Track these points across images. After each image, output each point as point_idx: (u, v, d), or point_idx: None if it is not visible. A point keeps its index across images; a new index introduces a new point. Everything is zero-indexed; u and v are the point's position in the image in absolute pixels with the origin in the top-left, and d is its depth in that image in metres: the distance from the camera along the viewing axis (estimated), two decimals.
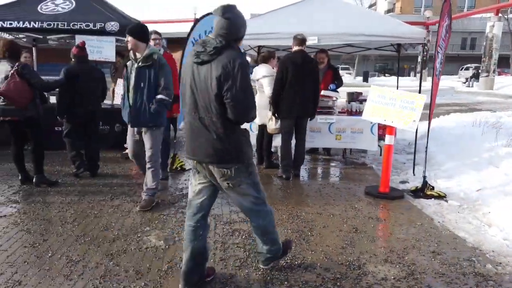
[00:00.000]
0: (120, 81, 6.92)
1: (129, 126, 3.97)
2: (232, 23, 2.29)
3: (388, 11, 48.93)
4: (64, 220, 3.59)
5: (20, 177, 4.58)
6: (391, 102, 4.36)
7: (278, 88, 4.97)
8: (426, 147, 4.88)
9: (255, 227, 2.64)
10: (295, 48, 4.99)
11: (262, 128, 5.58)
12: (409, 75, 40.59)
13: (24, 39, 8.50)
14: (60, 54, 9.55)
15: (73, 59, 5.15)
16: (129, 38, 3.71)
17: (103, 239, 3.23)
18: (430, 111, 4.77)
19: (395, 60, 34.11)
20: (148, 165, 3.96)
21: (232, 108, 2.25)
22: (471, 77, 29.41)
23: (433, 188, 4.53)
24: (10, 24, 5.96)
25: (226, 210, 3.93)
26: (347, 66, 42.46)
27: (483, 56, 25.26)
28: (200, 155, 2.38)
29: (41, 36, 6.59)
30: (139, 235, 3.32)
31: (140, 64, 3.73)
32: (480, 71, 26.60)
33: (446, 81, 27.53)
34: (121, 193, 4.39)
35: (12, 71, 4.23)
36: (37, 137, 4.54)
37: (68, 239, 3.21)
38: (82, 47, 5.23)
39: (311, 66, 4.98)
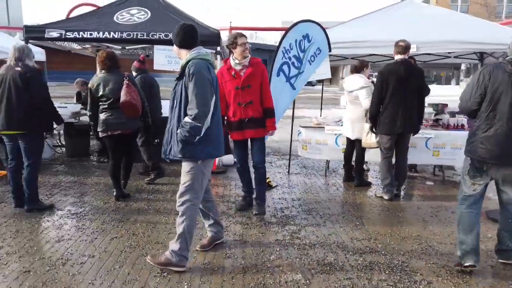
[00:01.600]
0: None
1: None
2: None
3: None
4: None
5: (115, 193, 4.39)
6: None
7: (377, 101, 4.58)
8: None
9: None
10: (398, 57, 4.59)
11: (351, 142, 5.21)
12: (449, 83, 39.04)
13: (90, 49, 8.56)
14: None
15: (135, 72, 5.12)
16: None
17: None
18: None
19: (430, 67, 32.98)
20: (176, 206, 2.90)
21: None
22: None
23: None
24: (91, 34, 5.87)
25: None
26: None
27: None
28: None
29: (119, 47, 6.47)
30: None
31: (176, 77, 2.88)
32: None
33: None
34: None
35: (126, 81, 4.13)
36: (131, 150, 4.40)
37: (203, 268, 2.93)
38: (143, 61, 5.22)
39: (416, 77, 4.55)
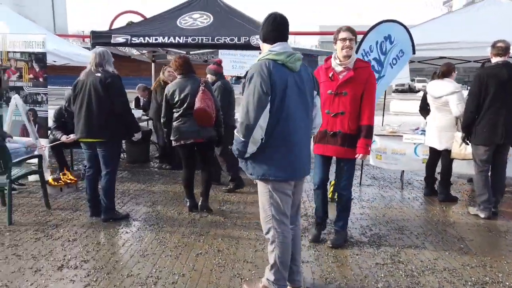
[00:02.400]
0: None
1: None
2: None
3: (467, 4, 45.29)
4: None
5: (188, 204, 4.20)
6: None
7: (473, 108, 4.11)
8: None
9: None
10: (496, 59, 4.12)
11: (435, 152, 4.75)
12: None
13: (147, 55, 8.59)
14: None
15: (213, 76, 4.89)
16: None
17: None
18: None
19: (473, 73, 31.17)
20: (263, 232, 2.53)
21: None
22: None
23: None
24: (156, 39, 5.80)
25: None
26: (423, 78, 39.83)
27: None
28: None
29: (184, 52, 6.37)
30: None
31: None
32: None
33: None
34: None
35: (202, 88, 3.92)
36: (210, 158, 4.18)
37: None
38: (220, 64, 5.03)
39: None
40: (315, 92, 2.48)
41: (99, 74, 3.65)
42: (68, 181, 4.78)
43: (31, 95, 6.20)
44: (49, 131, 5.93)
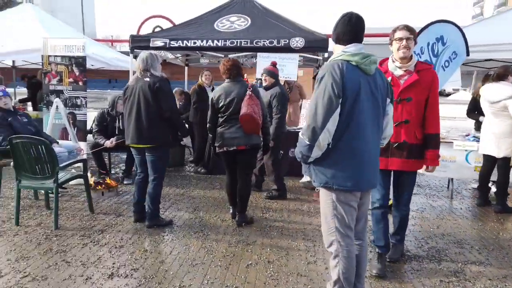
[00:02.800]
0: (305, 103, 6.42)
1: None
2: None
3: (500, 5, 43.46)
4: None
5: (231, 211, 4.08)
6: None
7: None
8: None
9: None
10: None
11: (491, 160, 4.46)
12: None
13: (180, 58, 8.59)
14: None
15: (271, 79, 4.77)
16: None
17: None
18: None
19: None
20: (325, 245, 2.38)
21: None
22: None
23: None
24: (194, 43, 5.75)
25: None
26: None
27: None
28: None
29: (222, 55, 6.30)
30: None
31: None
32: None
33: None
34: None
35: (249, 92, 3.76)
36: (251, 167, 4.04)
37: None
38: (276, 66, 4.89)
39: None
40: (388, 100, 2.30)
41: (147, 79, 3.61)
42: (109, 185, 4.77)
43: (71, 99, 6.28)
44: (90, 134, 5.99)
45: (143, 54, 3.73)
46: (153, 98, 3.56)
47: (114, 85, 27.34)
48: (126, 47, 14.27)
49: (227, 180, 4.03)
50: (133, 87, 3.67)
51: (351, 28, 2.18)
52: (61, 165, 3.71)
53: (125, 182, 5.30)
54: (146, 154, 3.70)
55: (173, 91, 7.02)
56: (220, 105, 3.85)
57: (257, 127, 3.81)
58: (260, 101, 3.90)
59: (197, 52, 7.17)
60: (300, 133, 2.21)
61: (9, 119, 4.57)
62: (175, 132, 3.77)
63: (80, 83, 6.26)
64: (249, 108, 3.71)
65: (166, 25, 13.49)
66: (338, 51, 2.20)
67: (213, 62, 8.67)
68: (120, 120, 5.42)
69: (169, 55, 7.71)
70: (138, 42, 5.89)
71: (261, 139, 3.99)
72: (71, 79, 6.28)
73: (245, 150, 3.86)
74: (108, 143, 5.14)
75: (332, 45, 2.40)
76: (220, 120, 3.90)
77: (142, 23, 18.83)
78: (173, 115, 3.66)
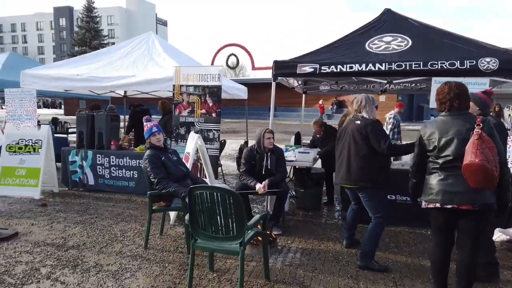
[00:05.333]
0: None
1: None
2: None
3: None
4: None
5: None
6: None
7: None
8: None
9: None
10: None
11: None
12: None
13: (328, 88, 7.75)
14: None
15: (478, 109, 3.65)
16: None
17: None
18: None
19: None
20: None
21: None
22: None
23: None
24: (351, 67, 4.89)
25: None
26: None
27: None
28: None
29: (384, 81, 5.40)
30: None
31: None
32: None
33: None
34: None
35: (478, 131, 2.72)
36: (479, 237, 2.88)
37: None
38: (489, 95, 3.78)
39: None
40: None
41: (358, 122, 3.66)
42: (270, 238, 3.92)
43: (202, 132, 5.72)
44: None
45: (359, 95, 3.78)
46: (362, 141, 3.59)
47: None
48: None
49: (434, 250, 2.96)
50: (345, 128, 3.75)
51: None
52: (249, 223, 2.92)
53: (275, 233, 4.41)
54: (359, 194, 3.73)
55: (312, 121, 6.20)
56: (432, 146, 2.87)
57: (492, 180, 2.67)
58: (495, 142, 2.82)
59: (353, 77, 6.32)
60: None
61: (163, 158, 3.99)
62: (386, 172, 3.69)
63: (214, 115, 5.70)
64: (477, 155, 2.62)
65: (240, 53, 13.09)
66: None
67: (335, 89, 7.83)
68: (269, 159, 4.66)
69: (291, 81, 6.95)
70: (283, 69, 5.19)
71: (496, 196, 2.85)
72: (203, 111, 5.75)
73: (472, 211, 2.76)
74: (261, 188, 4.36)
75: None
76: (432, 165, 2.90)
77: (218, 51, 18.88)
78: (389, 154, 3.65)
